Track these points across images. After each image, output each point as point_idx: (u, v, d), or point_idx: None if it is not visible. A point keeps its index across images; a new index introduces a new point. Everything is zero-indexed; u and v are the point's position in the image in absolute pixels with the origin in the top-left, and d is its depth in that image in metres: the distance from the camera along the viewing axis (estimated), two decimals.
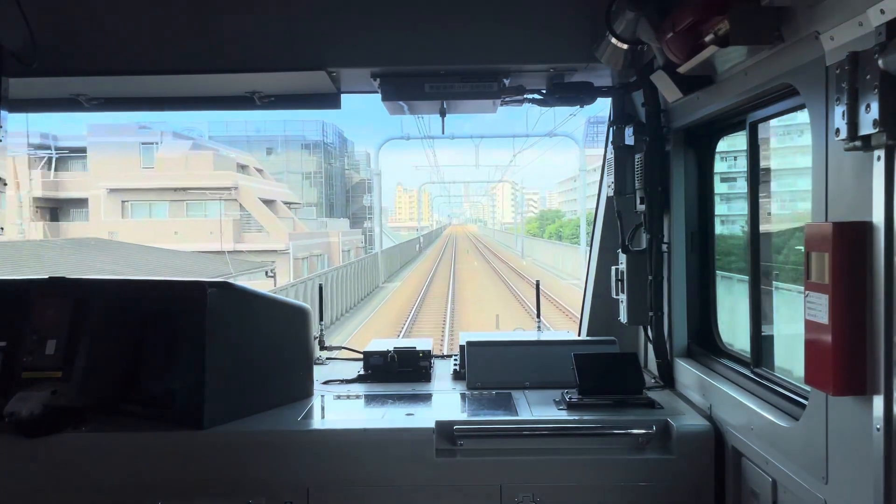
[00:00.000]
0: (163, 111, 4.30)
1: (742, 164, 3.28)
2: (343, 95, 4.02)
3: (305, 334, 3.82)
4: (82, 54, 3.54)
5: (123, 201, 44.93)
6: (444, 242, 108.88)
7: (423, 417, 3.37)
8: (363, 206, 73.57)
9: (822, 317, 2.16)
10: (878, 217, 2.01)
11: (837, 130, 2.06)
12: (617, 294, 4.04)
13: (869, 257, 2.06)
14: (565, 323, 22.97)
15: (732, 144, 3.75)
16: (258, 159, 55.80)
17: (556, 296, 29.40)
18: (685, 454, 3.17)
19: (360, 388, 3.95)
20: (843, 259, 2.11)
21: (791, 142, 4.09)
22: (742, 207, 3.28)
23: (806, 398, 2.53)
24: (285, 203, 52.85)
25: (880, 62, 1.87)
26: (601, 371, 3.59)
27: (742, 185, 3.27)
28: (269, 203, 48.37)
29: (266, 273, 31.42)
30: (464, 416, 3.43)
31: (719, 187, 3.80)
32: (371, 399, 3.75)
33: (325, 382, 4.03)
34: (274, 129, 61.22)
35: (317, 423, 3.41)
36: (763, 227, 3.32)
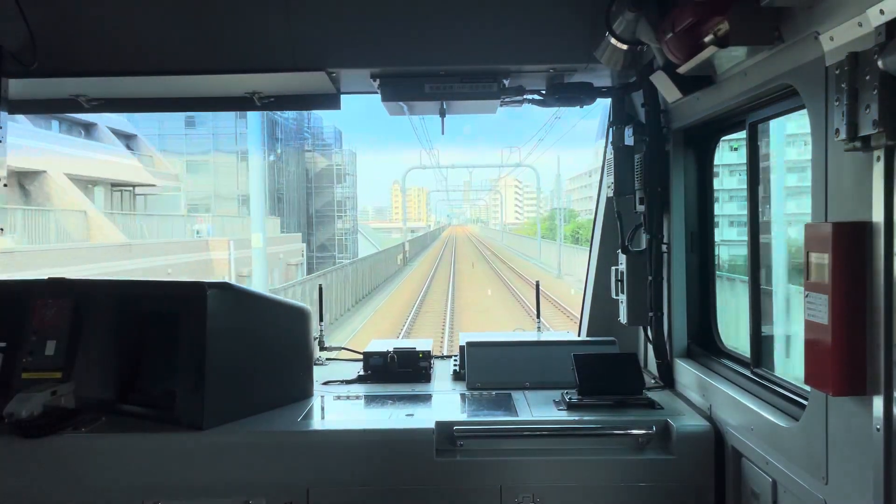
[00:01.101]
0: (163, 111, 4.31)
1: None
2: (343, 96, 4.03)
3: (305, 335, 3.82)
4: (82, 55, 3.54)
5: None
6: (440, 248, 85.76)
7: (423, 418, 3.37)
8: (330, 200, 54.72)
9: (822, 317, 2.16)
10: (877, 217, 2.01)
11: (837, 131, 2.06)
12: (617, 294, 4.04)
13: (869, 257, 2.06)
14: None
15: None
16: (154, 134, 39.69)
17: None
18: (685, 454, 3.17)
19: (359, 389, 3.95)
20: (842, 259, 2.11)
21: None
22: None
23: (806, 398, 2.53)
24: (110, 184, 30.60)
25: (880, 62, 1.87)
26: (601, 371, 3.59)
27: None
28: (27, 177, 25.75)
29: None
30: (464, 417, 3.43)
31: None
32: (371, 399, 3.75)
33: (325, 383, 4.03)
34: None
35: (317, 423, 3.41)
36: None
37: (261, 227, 21.88)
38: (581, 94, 3.80)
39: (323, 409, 3.63)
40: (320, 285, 5.48)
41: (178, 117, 45.17)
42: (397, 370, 4.10)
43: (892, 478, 2.01)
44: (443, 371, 4.26)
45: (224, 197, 46.76)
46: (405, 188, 68.64)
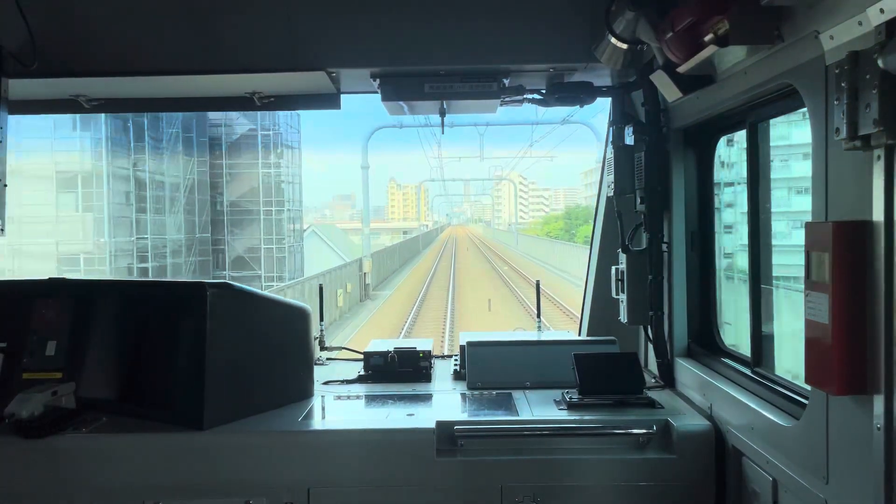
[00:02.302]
0: (163, 112, 4.33)
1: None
2: (343, 95, 4.03)
3: (306, 335, 3.82)
4: (82, 55, 3.54)
5: None
6: (435, 257, 64.91)
7: (423, 418, 3.37)
8: (256, 187, 33.89)
9: (823, 316, 2.16)
10: (878, 216, 2.01)
11: (837, 130, 2.06)
12: (617, 294, 4.04)
13: (869, 257, 2.06)
14: None
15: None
16: None
17: None
18: (686, 454, 3.17)
19: (360, 389, 3.95)
20: (843, 259, 2.11)
21: None
22: None
23: (806, 398, 2.53)
24: None
25: (880, 61, 1.87)
26: (601, 371, 3.59)
27: None
28: None
29: None
30: (464, 417, 3.43)
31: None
32: (371, 399, 3.75)
33: (326, 383, 4.03)
34: None
35: (317, 423, 3.41)
36: None
37: None
38: (581, 94, 3.80)
39: (323, 408, 3.63)
40: (320, 285, 5.47)
41: None
42: (398, 370, 4.10)
43: (893, 477, 2.01)
44: (443, 371, 4.26)
45: (29, 175, 27.68)
46: (367, 164, 35.21)
